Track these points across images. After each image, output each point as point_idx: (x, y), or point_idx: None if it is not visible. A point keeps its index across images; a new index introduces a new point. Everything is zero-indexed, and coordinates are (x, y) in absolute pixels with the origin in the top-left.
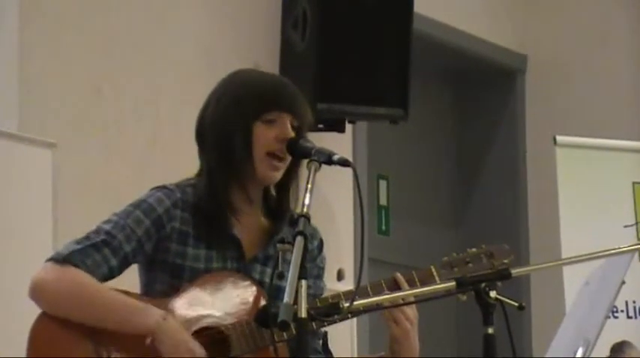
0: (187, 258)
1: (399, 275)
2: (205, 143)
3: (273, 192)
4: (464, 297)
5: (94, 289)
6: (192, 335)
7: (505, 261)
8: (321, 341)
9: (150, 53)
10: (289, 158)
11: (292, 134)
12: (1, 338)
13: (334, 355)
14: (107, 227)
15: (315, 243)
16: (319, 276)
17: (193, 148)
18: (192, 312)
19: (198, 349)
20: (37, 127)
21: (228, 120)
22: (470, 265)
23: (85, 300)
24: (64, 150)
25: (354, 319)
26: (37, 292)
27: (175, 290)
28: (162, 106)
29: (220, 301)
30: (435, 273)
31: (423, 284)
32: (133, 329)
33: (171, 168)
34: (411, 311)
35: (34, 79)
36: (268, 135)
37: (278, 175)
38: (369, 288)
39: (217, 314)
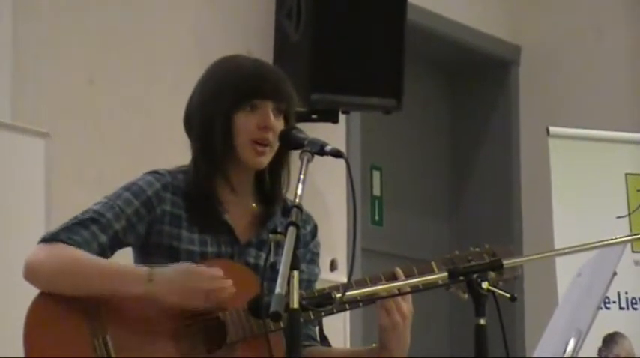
0: (182, 241)
1: (398, 270)
2: (192, 133)
3: (267, 177)
4: (465, 296)
5: (82, 260)
6: (188, 321)
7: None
8: (317, 328)
9: (143, 43)
10: (277, 144)
11: (273, 121)
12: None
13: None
14: (96, 207)
15: (309, 228)
16: (312, 261)
17: (186, 138)
18: None
19: (196, 270)
20: (30, 117)
21: (210, 110)
22: (472, 263)
23: (74, 272)
24: (57, 140)
25: (347, 311)
26: (30, 272)
27: None
28: (155, 96)
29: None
30: (435, 268)
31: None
32: (126, 294)
33: (165, 157)
34: (406, 305)
35: (27, 68)
36: (250, 123)
37: (265, 160)
38: (367, 281)
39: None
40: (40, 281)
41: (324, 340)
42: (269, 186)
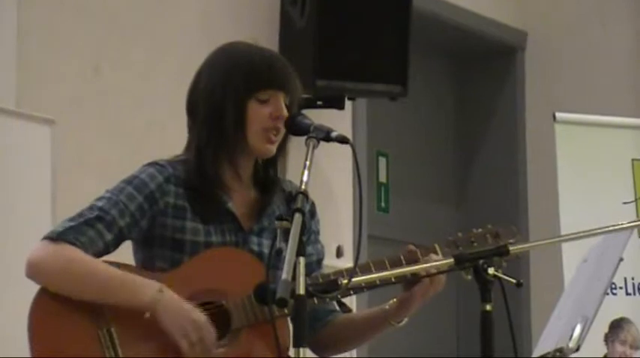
0: (187, 232)
1: (411, 247)
2: (197, 118)
3: (259, 163)
4: (468, 276)
5: (89, 266)
6: None
7: (511, 241)
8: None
9: (149, 31)
10: (283, 132)
11: (285, 111)
12: (1, 314)
13: None
14: (100, 203)
15: (307, 206)
16: (316, 240)
17: None
18: (192, 287)
19: (199, 317)
20: (35, 104)
21: (221, 97)
22: (475, 245)
23: (80, 278)
24: (62, 127)
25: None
26: (32, 271)
27: (176, 264)
28: (161, 84)
29: (220, 276)
30: (439, 251)
31: (427, 261)
32: (131, 305)
33: (169, 146)
34: (432, 289)
35: (33, 56)
36: (262, 112)
37: (274, 148)
38: (371, 265)
39: (217, 288)
40: (42, 281)
41: (342, 306)
42: (265, 172)
